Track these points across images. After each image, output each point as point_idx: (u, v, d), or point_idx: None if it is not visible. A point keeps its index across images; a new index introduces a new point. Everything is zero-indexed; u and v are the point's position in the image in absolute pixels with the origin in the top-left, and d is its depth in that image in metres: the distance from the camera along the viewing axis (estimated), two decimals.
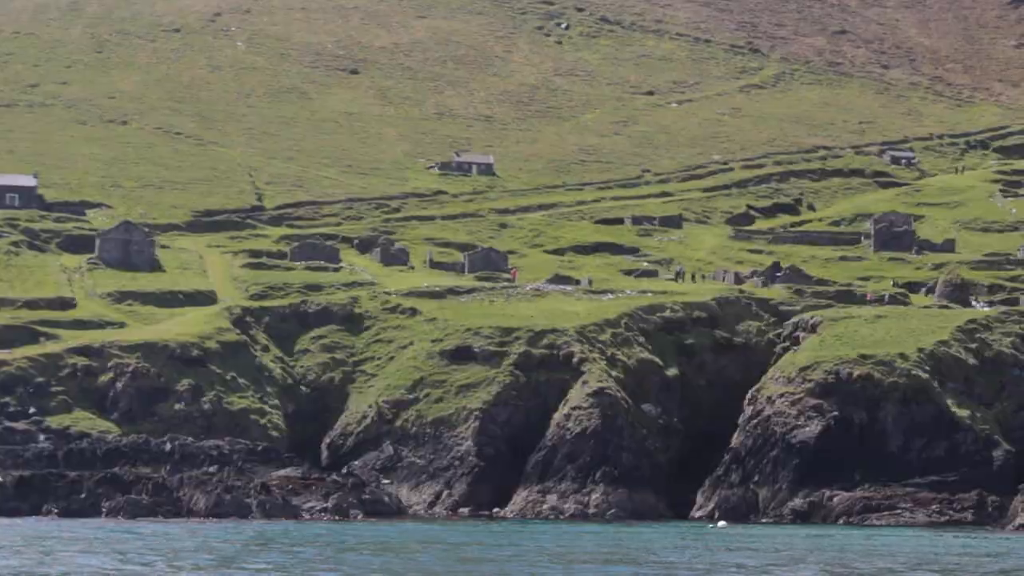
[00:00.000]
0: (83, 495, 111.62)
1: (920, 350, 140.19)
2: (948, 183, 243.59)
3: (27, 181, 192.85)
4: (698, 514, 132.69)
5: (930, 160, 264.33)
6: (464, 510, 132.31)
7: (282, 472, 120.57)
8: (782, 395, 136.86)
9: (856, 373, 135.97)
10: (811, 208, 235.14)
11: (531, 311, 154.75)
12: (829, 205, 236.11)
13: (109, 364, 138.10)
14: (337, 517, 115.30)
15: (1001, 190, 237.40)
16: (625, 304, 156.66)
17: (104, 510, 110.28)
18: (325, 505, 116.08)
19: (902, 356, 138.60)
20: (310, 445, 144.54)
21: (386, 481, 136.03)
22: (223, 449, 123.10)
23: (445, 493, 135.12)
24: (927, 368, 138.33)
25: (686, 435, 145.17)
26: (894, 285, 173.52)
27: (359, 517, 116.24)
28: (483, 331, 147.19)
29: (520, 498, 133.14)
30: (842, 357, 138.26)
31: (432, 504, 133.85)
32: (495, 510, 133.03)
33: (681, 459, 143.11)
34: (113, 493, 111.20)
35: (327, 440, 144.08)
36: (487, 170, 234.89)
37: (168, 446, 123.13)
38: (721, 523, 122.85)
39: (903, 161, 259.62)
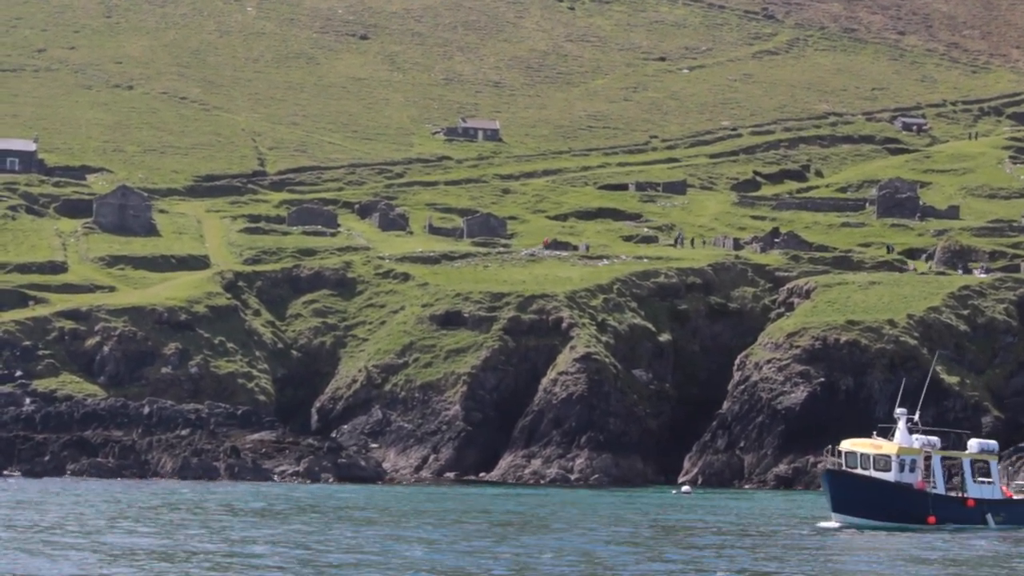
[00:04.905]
0: (47, 457, 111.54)
1: (910, 316, 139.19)
2: (958, 150, 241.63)
3: (27, 146, 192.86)
4: (683, 480, 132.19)
5: (942, 127, 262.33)
6: (450, 475, 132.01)
7: (256, 436, 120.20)
8: (769, 361, 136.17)
9: (843, 339, 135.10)
10: (819, 174, 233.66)
11: (524, 276, 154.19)
12: (837, 172, 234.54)
13: (96, 328, 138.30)
14: (308, 481, 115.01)
15: (1011, 157, 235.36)
16: (619, 270, 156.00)
17: (69, 472, 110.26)
18: (297, 469, 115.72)
19: (891, 322, 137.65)
20: (300, 409, 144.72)
21: (374, 445, 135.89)
22: (201, 413, 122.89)
23: (432, 457, 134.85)
24: (916, 334, 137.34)
25: (679, 401, 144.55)
26: (889, 251, 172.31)
27: (331, 481, 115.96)
28: (473, 296, 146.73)
29: (505, 463, 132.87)
30: (830, 323, 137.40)
31: (419, 468, 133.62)
32: (481, 474, 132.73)
33: (674, 425, 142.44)
34: (79, 455, 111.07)
35: (317, 404, 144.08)
36: (493, 136, 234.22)
37: (146, 409, 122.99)
38: (685, 488, 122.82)
39: (914, 128, 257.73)
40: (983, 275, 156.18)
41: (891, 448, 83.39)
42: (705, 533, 76.69)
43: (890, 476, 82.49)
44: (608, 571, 57.55)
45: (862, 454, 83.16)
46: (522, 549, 64.75)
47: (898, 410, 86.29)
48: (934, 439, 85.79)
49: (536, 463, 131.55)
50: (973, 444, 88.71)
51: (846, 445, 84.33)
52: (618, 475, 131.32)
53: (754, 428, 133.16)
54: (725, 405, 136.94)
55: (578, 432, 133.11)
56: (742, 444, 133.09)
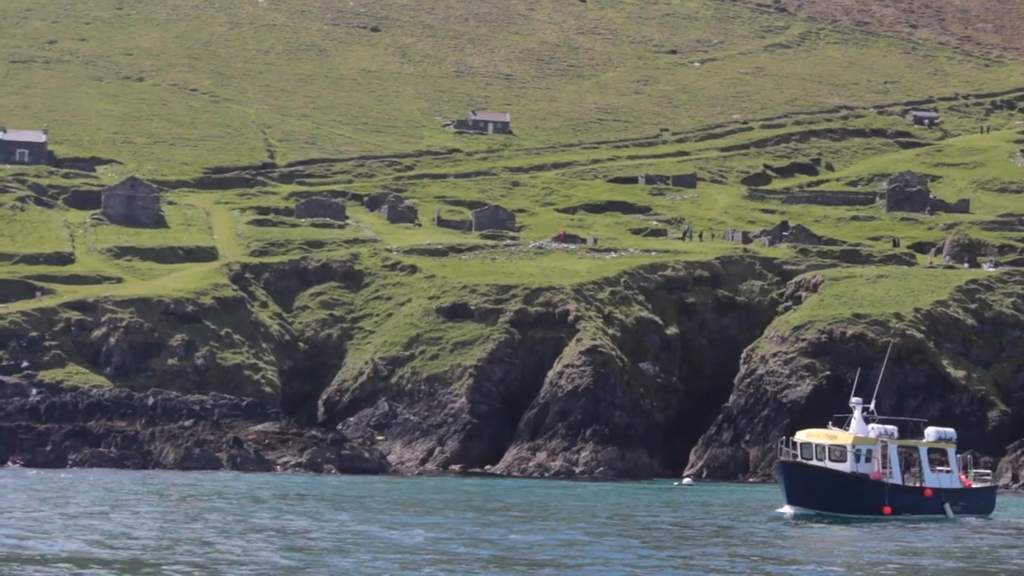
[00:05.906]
0: (48, 447, 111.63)
1: (917, 310, 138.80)
2: (970, 143, 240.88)
3: (37, 137, 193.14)
4: (688, 473, 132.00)
5: (954, 120, 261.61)
6: (456, 467, 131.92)
7: (260, 427, 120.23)
8: (775, 354, 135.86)
9: (849, 332, 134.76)
10: (829, 168, 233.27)
11: (531, 269, 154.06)
12: (848, 165, 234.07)
13: (103, 319, 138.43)
14: (311, 472, 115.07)
15: (1023, 151, 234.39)
16: (627, 263, 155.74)
17: (71, 462, 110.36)
18: (299, 460, 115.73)
19: (897, 316, 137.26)
20: (307, 402, 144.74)
21: (380, 437, 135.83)
22: (205, 404, 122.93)
23: (438, 450, 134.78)
24: (923, 328, 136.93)
25: (687, 394, 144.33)
26: (895, 244, 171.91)
27: (333, 472, 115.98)
28: (480, 289, 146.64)
29: (510, 455, 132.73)
30: (836, 316, 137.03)
31: (424, 461, 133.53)
32: (487, 467, 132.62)
33: (681, 418, 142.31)
34: (81, 446, 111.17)
35: (323, 397, 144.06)
36: (503, 128, 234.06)
37: (150, 400, 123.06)
38: (686, 480, 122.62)
39: (926, 121, 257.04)
40: (991, 268, 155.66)
41: (846, 438, 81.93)
42: (658, 522, 76.34)
43: (846, 467, 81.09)
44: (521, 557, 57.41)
45: (817, 445, 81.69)
46: (437, 534, 64.08)
47: (853, 399, 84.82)
48: (890, 428, 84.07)
49: (541, 456, 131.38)
50: (930, 433, 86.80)
51: (801, 436, 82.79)
52: (623, 468, 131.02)
53: (759, 421, 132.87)
54: (731, 398, 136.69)
55: (583, 425, 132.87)
56: (747, 437, 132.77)
